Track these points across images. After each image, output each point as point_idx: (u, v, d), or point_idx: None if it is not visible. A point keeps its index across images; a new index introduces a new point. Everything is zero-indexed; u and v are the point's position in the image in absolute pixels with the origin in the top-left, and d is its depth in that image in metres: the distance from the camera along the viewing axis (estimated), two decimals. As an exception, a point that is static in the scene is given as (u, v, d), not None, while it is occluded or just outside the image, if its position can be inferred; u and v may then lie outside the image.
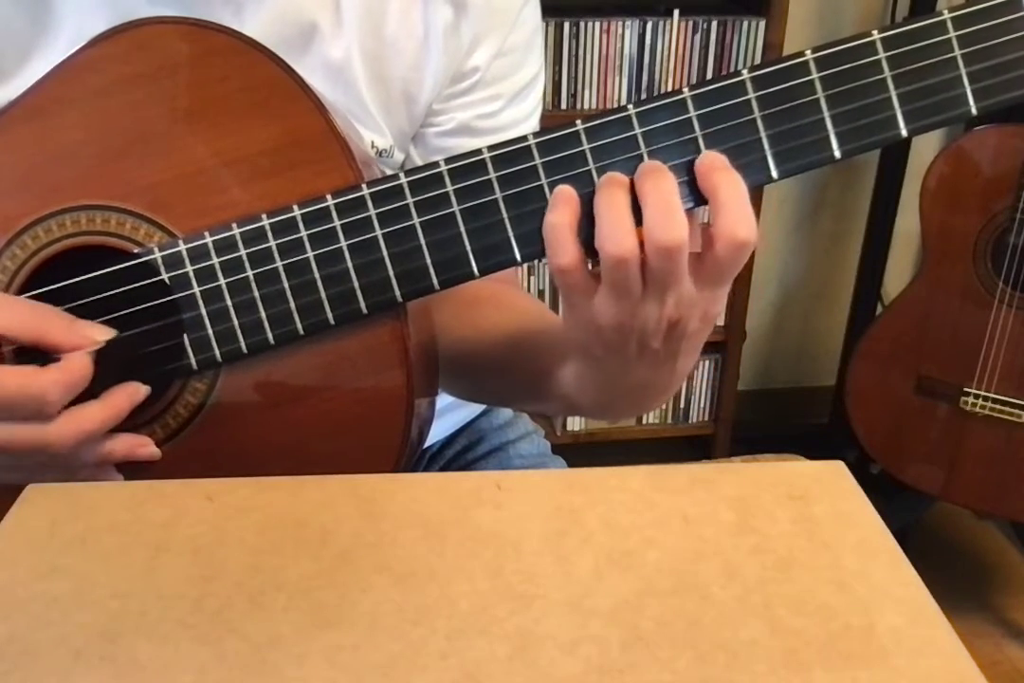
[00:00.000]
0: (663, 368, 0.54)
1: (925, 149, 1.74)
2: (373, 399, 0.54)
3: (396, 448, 0.54)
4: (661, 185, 0.48)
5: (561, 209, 0.49)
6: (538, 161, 0.50)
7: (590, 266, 0.50)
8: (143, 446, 0.54)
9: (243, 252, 0.53)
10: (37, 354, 0.52)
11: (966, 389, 1.51)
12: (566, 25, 1.60)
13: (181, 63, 0.54)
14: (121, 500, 0.46)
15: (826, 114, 0.49)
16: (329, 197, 0.52)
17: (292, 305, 0.53)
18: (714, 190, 0.48)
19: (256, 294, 0.53)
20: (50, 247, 0.55)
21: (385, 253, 0.52)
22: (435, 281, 0.52)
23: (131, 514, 0.45)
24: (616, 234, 0.47)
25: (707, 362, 1.89)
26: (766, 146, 0.49)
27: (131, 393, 0.53)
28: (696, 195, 0.49)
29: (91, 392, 0.52)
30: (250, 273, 0.53)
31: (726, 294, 0.51)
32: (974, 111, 0.49)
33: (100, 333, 0.53)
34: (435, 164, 0.51)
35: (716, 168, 0.48)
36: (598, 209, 0.48)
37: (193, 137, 0.54)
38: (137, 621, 0.38)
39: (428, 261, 0.52)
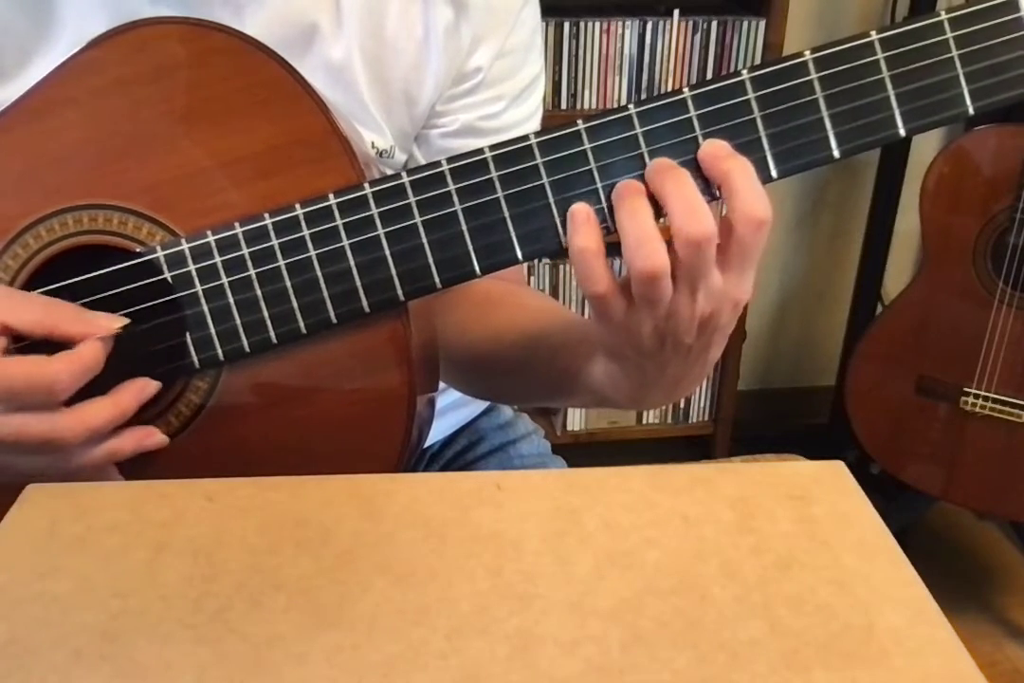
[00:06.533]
0: (697, 361, 0.55)
1: (925, 149, 1.74)
2: (374, 398, 0.54)
3: (396, 448, 0.54)
4: (680, 182, 0.48)
5: (584, 233, 0.49)
6: (539, 160, 0.50)
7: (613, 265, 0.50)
8: (150, 436, 0.54)
9: (245, 251, 0.53)
10: (52, 350, 0.51)
11: (966, 389, 1.51)
12: (566, 25, 1.60)
13: (182, 63, 0.54)
14: (121, 500, 0.46)
15: (825, 114, 0.49)
16: (331, 196, 0.52)
17: (294, 304, 0.53)
18: (725, 176, 0.48)
19: (258, 293, 0.53)
20: (52, 246, 0.55)
21: (387, 252, 0.52)
22: (437, 280, 0.52)
23: (131, 514, 0.45)
24: (644, 249, 0.47)
25: (707, 362, 1.89)
26: (765, 146, 0.49)
27: (139, 389, 0.53)
28: (705, 190, 0.49)
29: (98, 389, 0.52)
30: (252, 272, 0.53)
31: (752, 278, 0.51)
32: (971, 111, 0.49)
33: (113, 321, 0.53)
34: (437, 163, 0.51)
35: (721, 156, 0.49)
36: (621, 225, 0.49)
37: (194, 137, 0.54)
38: (137, 621, 0.38)
39: (430, 260, 0.52)
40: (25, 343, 0.52)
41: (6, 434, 0.50)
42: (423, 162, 0.71)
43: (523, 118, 0.74)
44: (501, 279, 0.60)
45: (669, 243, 0.48)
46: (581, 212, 0.49)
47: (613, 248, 0.49)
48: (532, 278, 1.77)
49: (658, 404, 0.62)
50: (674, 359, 0.54)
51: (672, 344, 0.52)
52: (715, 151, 0.49)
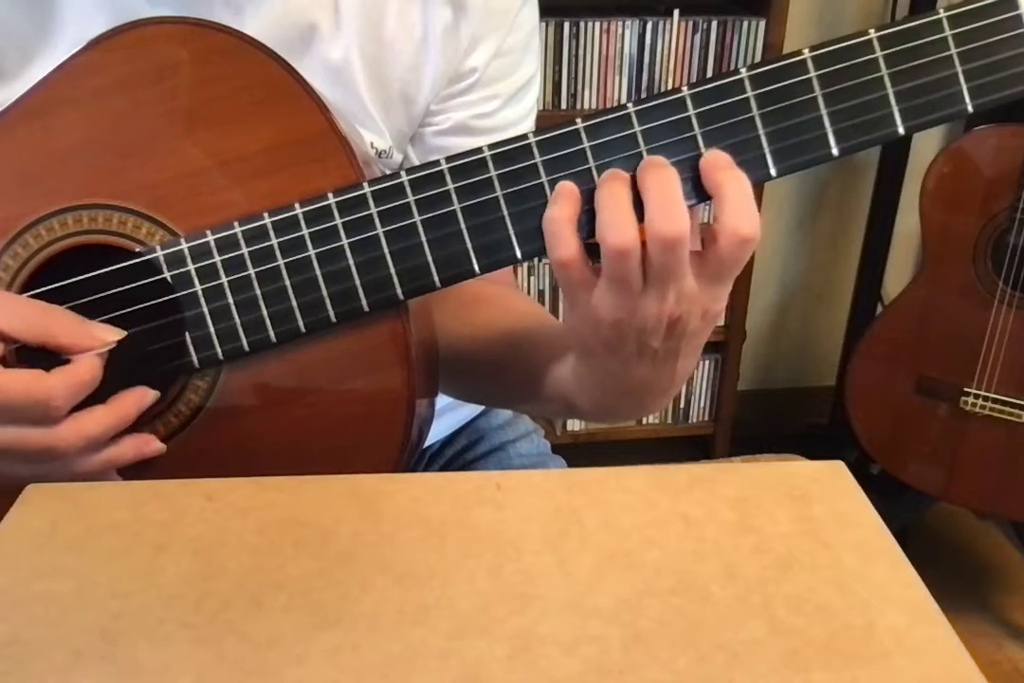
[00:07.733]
0: (664, 368, 0.54)
1: (925, 149, 1.74)
2: (374, 398, 0.54)
3: (396, 447, 0.54)
4: (663, 179, 0.48)
5: (561, 203, 0.49)
6: (538, 159, 0.50)
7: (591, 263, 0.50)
8: (148, 444, 0.54)
9: (245, 250, 0.53)
10: (48, 356, 0.51)
11: (966, 389, 1.51)
12: (566, 25, 1.60)
13: (182, 63, 0.54)
14: (121, 500, 0.46)
15: (823, 112, 0.49)
16: (331, 195, 0.52)
17: (294, 303, 0.53)
18: (718, 187, 0.48)
19: (258, 292, 0.53)
20: (52, 246, 0.55)
21: (386, 251, 0.52)
22: (436, 279, 0.52)
23: (131, 514, 0.45)
24: (617, 224, 0.48)
25: (707, 362, 1.89)
26: (764, 144, 0.49)
27: (138, 398, 0.53)
28: (697, 192, 0.49)
29: (96, 391, 0.52)
30: (252, 271, 0.53)
31: (727, 292, 0.51)
32: (970, 108, 0.49)
33: (110, 334, 0.52)
34: (436, 162, 0.51)
35: (720, 167, 0.49)
36: (599, 202, 0.49)
37: (194, 136, 0.54)
38: (137, 621, 0.38)
39: (429, 259, 0.52)
40: (18, 345, 0.52)
41: (3, 444, 0.50)
42: (417, 161, 0.71)
43: (517, 118, 0.74)
44: (492, 281, 0.60)
45: (644, 244, 0.48)
46: (566, 186, 0.50)
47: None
48: (532, 278, 1.77)
49: (625, 416, 0.61)
50: (640, 362, 0.53)
51: (637, 342, 0.52)
52: (715, 161, 0.49)
